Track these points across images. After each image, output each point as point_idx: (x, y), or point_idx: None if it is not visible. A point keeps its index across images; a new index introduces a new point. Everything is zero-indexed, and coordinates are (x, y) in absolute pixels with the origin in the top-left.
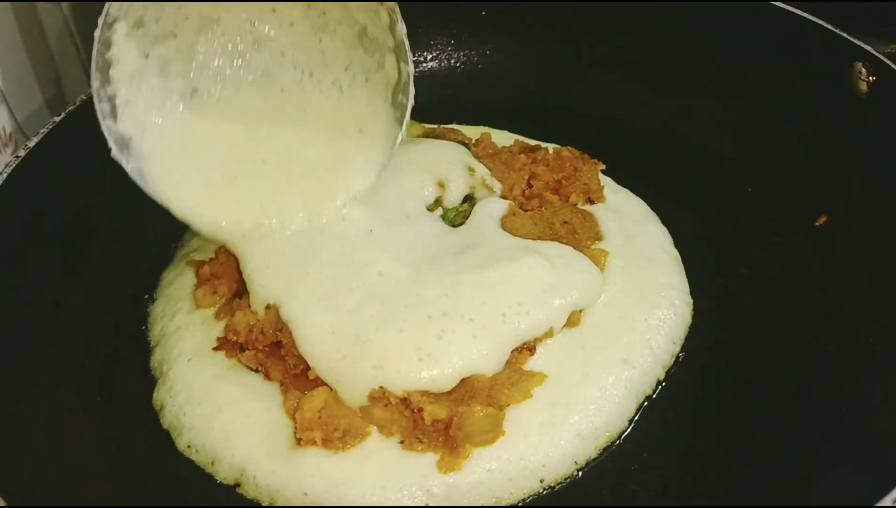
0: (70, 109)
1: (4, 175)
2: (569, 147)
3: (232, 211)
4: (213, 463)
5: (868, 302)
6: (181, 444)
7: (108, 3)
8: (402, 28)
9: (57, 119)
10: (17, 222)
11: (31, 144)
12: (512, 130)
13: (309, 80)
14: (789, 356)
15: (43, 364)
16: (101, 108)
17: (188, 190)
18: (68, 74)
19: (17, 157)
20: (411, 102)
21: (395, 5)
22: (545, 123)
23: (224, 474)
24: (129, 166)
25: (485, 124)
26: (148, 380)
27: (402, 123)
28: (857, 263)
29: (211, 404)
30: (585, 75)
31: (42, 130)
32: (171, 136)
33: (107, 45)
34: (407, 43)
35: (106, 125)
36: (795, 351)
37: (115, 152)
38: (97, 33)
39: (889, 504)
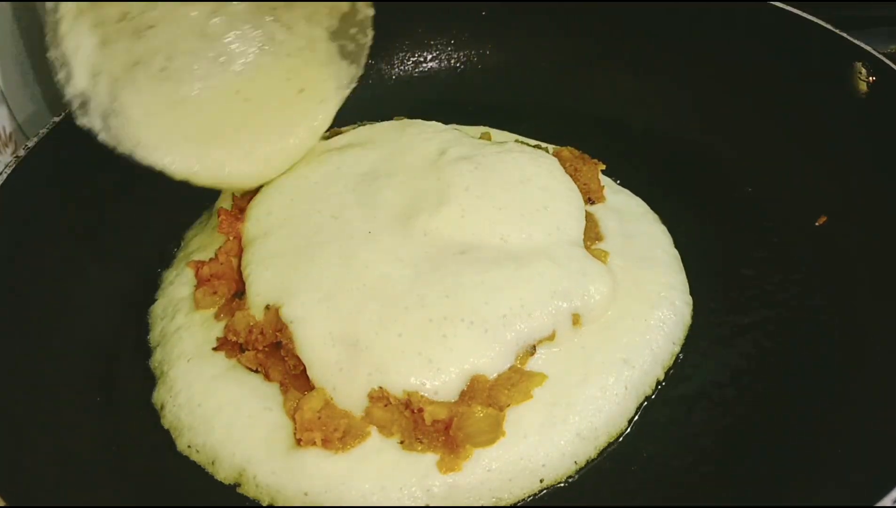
0: (70, 109)
1: (4, 175)
2: (569, 147)
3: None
4: (213, 463)
5: (868, 302)
6: (181, 444)
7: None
8: None
9: (57, 119)
10: (17, 222)
11: (31, 144)
12: (512, 130)
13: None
14: (789, 356)
15: (43, 364)
16: (60, 77)
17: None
18: None
19: (17, 157)
20: (369, 41)
21: None
22: (545, 123)
23: (224, 474)
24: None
25: (485, 124)
26: (148, 380)
27: (357, 61)
28: (857, 263)
29: (211, 404)
30: (585, 75)
31: (42, 130)
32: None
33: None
34: None
35: (64, 90)
36: (795, 351)
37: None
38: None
39: (889, 504)
